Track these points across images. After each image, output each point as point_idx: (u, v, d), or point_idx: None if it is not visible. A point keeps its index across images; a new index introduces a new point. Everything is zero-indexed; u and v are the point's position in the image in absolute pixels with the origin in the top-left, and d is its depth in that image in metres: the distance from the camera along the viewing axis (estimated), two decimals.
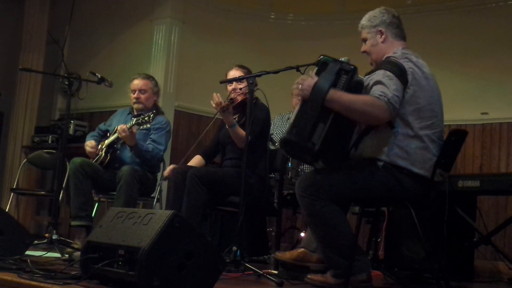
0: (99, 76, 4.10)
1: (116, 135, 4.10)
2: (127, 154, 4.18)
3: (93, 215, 4.13)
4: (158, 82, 4.52)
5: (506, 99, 5.09)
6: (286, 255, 3.07)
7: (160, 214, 2.18)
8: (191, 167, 3.83)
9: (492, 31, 5.25)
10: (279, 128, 4.92)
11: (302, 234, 4.35)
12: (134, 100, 4.32)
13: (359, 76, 2.72)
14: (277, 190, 3.99)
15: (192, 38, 6.00)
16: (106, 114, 4.66)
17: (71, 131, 5.78)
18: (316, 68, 2.73)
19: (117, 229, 2.28)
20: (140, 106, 4.31)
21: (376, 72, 2.68)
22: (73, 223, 3.95)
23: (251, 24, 6.22)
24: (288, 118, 4.67)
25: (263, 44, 5.97)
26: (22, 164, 5.42)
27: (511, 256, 3.84)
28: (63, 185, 4.17)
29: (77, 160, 4.03)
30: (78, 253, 3.16)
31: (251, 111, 3.25)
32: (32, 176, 6.02)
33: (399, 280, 3.26)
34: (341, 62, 2.68)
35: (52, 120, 6.38)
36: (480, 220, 3.77)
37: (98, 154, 4.20)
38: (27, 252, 2.99)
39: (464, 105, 5.23)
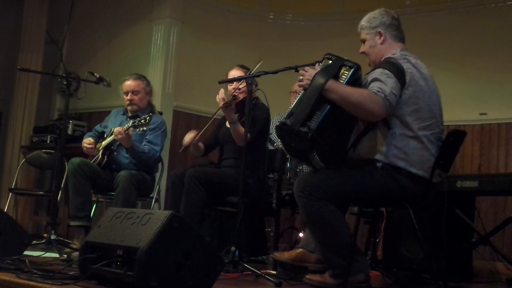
0: (97, 76, 4.10)
1: (112, 137, 4.10)
2: (123, 155, 4.18)
3: (91, 215, 4.13)
4: (157, 82, 4.54)
5: (505, 100, 5.10)
6: (285, 256, 3.07)
7: (158, 214, 2.18)
8: (190, 167, 3.83)
9: (491, 32, 5.25)
10: None
11: (301, 235, 4.34)
12: (128, 102, 4.31)
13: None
14: (275, 190, 3.99)
15: (191, 38, 6.00)
16: (104, 114, 4.66)
17: (69, 131, 5.78)
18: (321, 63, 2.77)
19: (115, 229, 2.28)
20: (134, 107, 4.31)
21: (375, 70, 2.70)
22: (72, 223, 3.95)
23: (250, 24, 6.22)
24: None
25: (262, 44, 5.96)
26: (20, 164, 5.41)
27: (509, 257, 3.85)
28: (62, 185, 4.16)
29: (75, 160, 4.03)
30: (76, 253, 3.16)
31: (250, 111, 3.25)
32: (31, 176, 6.01)
33: (398, 280, 3.26)
34: (345, 59, 2.73)
35: (50, 120, 6.38)
36: (479, 220, 3.77)
37: (95, 155, 4.20)
38: (26, 252, 2.99)
39: (463, 105, 5.23)
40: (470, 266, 3.80)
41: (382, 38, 2.85)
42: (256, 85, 3.40)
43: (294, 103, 2.69)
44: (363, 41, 2.91)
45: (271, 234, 4.44)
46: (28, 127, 6.08)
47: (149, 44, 5.87)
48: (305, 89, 2.67)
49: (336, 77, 2.65)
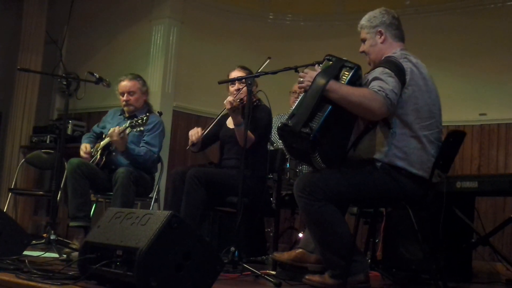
0: (97, 76, 4.10)
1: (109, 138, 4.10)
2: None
3: (91, 215, 4.13)
4: (157, 83, 4.53)
5: (505, 100, 5.10)
6: (284, 256, 3.07)
7: (158, 215, 2.18)
8: (190, 168, 3.83)
9: (491, 32, 5.26)
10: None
11: (300, 235, 4.34)
12: (124, 103, 4.30)
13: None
14: (275, 190, 3.99)
15: (191, 39, 6.00)
16: (104, 114, 4.65)
17: (69, 131, 5.78)
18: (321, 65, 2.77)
19: (115, 230, 2.28)
20: (130, 108, 4.30)
21: (375, 69, 2.70)
22: (71, 223, 3.95)
23: (249, 25, 6.22)
24: None
25: (262, 45, 5.96)
26: (20, 164, 5.41)
27: (509, 257, 3.85)
28: (61, 185, 4.16)
29: (74, 160, 4.02)
30: (76, 254, 3.15)
31: (250, 111, 3.25)
32: (30, 176, 6.02)
33: (397, 281, 3.26)
34: (345, 60, 2.73)
35: (50, 120, 6.38)
36: (478, 221, 3.77)
37: (93, 157, 4.19)
38: (25, 252, 2.99)
39: (463, 105, 5.24)
40: (469, 267, 3.80)
41: (382, 37, 2.85)
42: (256, 86, 3.40)
43: (295, 104, 2.68)
44: (363, 40, 2.91)
45: (271, 234, 4.44)
46: (27, 127, 6.08)
47: (148, 44, 5.87)
48: (305, 91, 2.67)
49: (337, 78, 2.65)
